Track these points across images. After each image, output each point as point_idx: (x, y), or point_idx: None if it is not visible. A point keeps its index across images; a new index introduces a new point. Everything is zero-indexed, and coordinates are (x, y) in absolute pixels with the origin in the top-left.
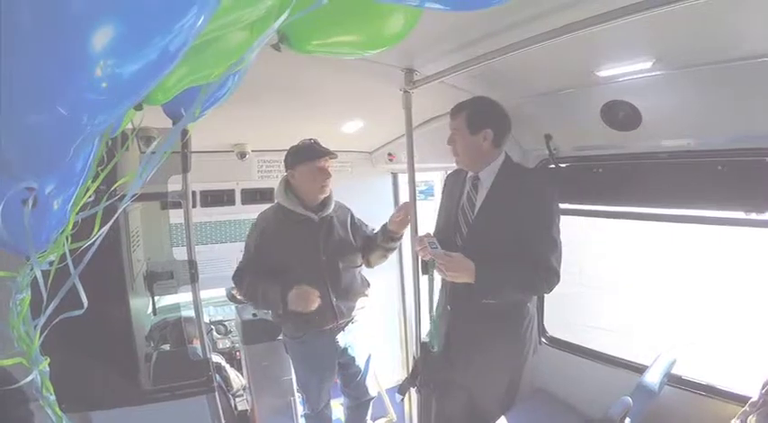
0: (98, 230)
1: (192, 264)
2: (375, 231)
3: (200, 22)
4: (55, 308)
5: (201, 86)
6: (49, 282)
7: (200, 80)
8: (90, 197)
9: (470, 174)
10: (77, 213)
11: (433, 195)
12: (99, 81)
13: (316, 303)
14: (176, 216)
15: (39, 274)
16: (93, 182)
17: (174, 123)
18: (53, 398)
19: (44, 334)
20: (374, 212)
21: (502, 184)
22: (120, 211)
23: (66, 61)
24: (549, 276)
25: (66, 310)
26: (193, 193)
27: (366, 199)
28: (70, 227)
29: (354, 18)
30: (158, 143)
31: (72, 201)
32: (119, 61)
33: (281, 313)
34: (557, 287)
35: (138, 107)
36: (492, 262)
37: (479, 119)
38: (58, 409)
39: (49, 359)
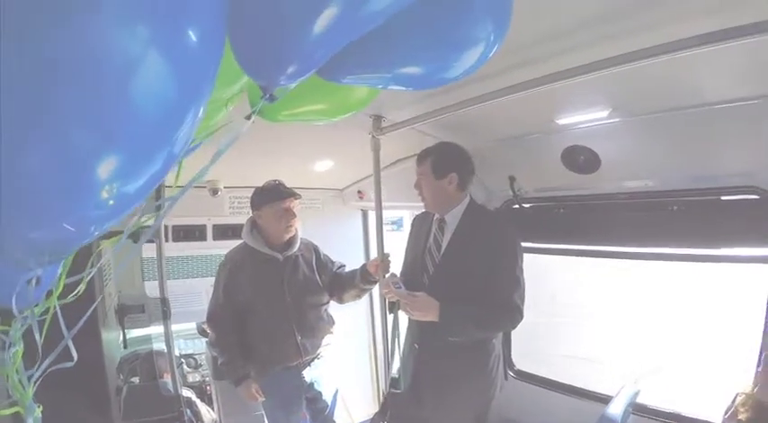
0: (84, 283)
1: (164, 301)
2: (343, 267)
3: (198, 117)
4: (44, 355)
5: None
6: (43, 334)
7: None
8: None
9: (437, 216)
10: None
11: (402, 227)
12: (105, 201)
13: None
14: (148, 250)
15: (36, 333)
16: None
17: None
18: None
19: (36, 383)
20: (344, 249)
21: (466, 225)
22: (98, 264)
23: (74, 191)
24: (513, 314)
25: (53, 359)
26: (165, 227)
27: (336, 235)
28: (61, 288)
29: (321, 90)
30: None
31: (62, 263)
32: (124, 182)
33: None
34: (531, 317)
35: None
36: (457, 301)
37: (444, 164)
38: None
39: (41, 407)
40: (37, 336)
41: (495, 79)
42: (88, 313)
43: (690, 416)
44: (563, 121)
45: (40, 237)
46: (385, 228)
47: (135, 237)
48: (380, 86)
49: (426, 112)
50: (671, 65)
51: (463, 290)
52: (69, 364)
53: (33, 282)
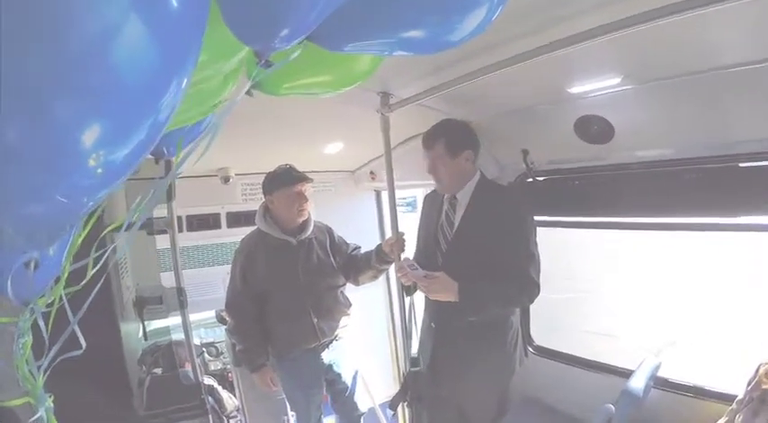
0: (91, 272)
1: (180, 291)
2: (358, 249)
3: (183, 87)
4: (52, 346)
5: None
6: (50, 324)
7: (179, 124)
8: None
9: (447, 194)
10: (72, 260)
11: (416, 208)
12: (93, 169)
13: (272, 389)
14: (164, 241)
15: (41, 322)
16: (83, 226)
17: (156, 161)
18: None
19: (47, 373)
20: (359, 230)
21: (478, 201)
22: (107, 250)
23: (59, 161)
24: (530, 288)
25: (65, 348)
26: (179, 217)
27: (350, 217)
28: (66, 275)
29: (322, 61)
30: (144, 195)
31: (67, 249)
32: (110, 149)
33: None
34: (549, 294)
35: None
36: (474, 279)
37: (459, 142)
38: None
39: (52, 396)
40: (42, 324)
41: (501, 48)
42: (89, 300)
43: (712, 389)
44: (574, 89)
45: (33, 211)
46: (398, 209)
47: (147, 227)
48: (383, 53)
49: (434, 87)
50: (682, 27)
51: (477, 266)
52: (77, 353)
53: (32, 265)
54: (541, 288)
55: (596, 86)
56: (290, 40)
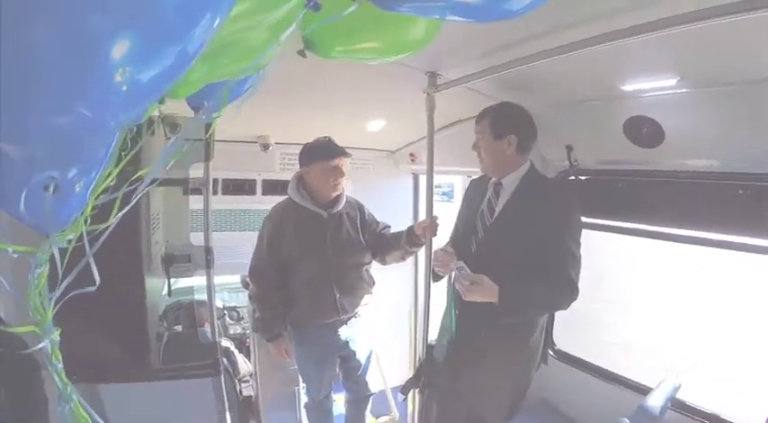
0: (116, 213)
1: (208, 250)
2: (387, 228)
3: (215, 24)
4: (72, 284)
5: (224, 84)
6: (66, 259)
7: (222, 77)
8: (112, 182)
9: (493, 180)
10: (98, 197)
11: (453, 198)
12: (119, 85)
13: (286, 360)
14: (197, 202)
15: (56, 252)
16: (115, 166)
17: (195, 114)
18: (60, 366)
19: (59, 307)
20: (393, 211)
21: (524, 191)
22: (137, 196)
23: (87, 70)
24: (570, 291)
25: (82, 287)
26: (215, 180)
27: (386, 198)
28: (89, 209)
29: (377, 25)
30: (180, 134)
31: (93, 185)
32: (137, 67)
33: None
34: (574, 302)
35: (161, 100)
36: (506, 272)
37: (503, 125)
38: (63, 377)
39: (60, 330)
40: (56, 254)
41: (555, 35)
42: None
43: (731, 420)
44: (627, 87)
45: (55, 122)
46: (435, 197)
47: (182, 185)
48: (438, 16)
49: (483, 70)
50: (746, 31)
51: (511, 258)
52: (91, 289)
53: (50, 188)
54: None
55: (650, 86)
56: None
